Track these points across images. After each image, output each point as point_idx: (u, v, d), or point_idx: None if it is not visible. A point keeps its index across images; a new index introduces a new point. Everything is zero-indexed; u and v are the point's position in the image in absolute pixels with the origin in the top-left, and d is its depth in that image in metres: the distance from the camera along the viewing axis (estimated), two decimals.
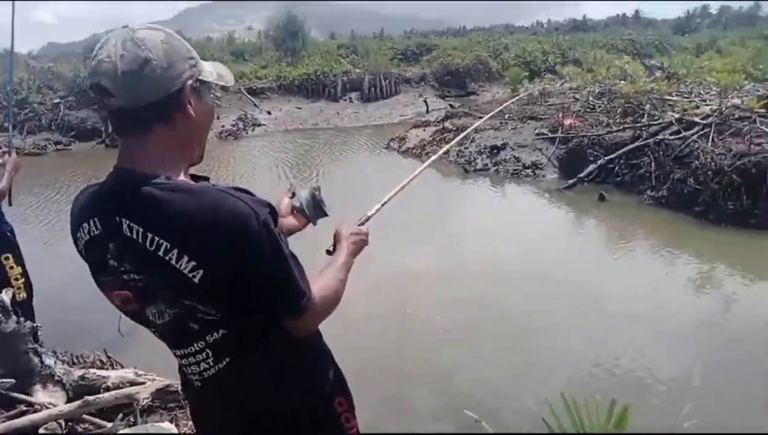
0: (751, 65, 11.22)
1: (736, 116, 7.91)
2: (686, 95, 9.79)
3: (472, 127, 3.23)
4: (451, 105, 18.67)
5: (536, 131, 10.63)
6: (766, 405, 3.50)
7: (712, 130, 7.73)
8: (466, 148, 10.65)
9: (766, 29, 33.70)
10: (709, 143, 7.49)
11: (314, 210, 1.75)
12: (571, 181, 8.73)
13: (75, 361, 3.70)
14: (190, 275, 1.04)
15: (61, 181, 10.73)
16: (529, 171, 9.64)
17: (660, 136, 8.34)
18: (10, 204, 3.50)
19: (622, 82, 10.31)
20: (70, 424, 2.92)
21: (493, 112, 4.28)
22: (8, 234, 3.56)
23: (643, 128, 8.91)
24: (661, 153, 8.06)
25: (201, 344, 1.16)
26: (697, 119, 8.21)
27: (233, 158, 12.81)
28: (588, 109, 10.90)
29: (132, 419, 2.98)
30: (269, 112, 18.42)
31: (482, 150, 10.48)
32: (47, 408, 2.92)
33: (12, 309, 3.07)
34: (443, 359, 4.15)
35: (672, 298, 5.05)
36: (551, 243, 6.62)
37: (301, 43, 24.53)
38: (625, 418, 1.90)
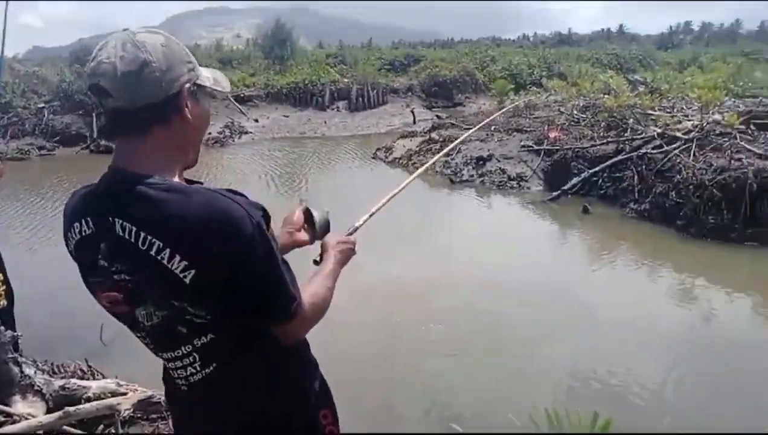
0: (732, 81, 11.43)
1: (717, 132, 8.06)
2: (669, 110, 9.97)
3: (460, 139, 3.25)
4: (438, 116, 18.80)
5: (522, 143, 10.73)
6: (747, 418, 3.55)
7: (694, 145, 7.86)
8: (452, 159, 10.72)
9: (746, 46, 34.50)
10: (691, 158, 7.61)
11: (321, 230, 1.77)
12: (555, 194, 8.82)
13: (55, 370, 3.64)
14: (182, 275, 1.04)
15: (47, 186, 10.61)
16: (514, 183, 9.73)
17: (643, 150, 8.48)
18: None
19: (606, 96, 10.47)
20: None
21: (481, 124, 4.31)
22: None
23: (626, 142, 9.04)
24: (643, 167, 8.18)
25: (188, 348, 1.15)
26: (679, 134, 8.34)
27: (221, 166, 12.76)
28: (573, 123, 11.04)
29: (113, 430, 2.94)
30: (256, 120, 18.40)
31: (468, 161, 10.56)
32: (26, 419, 2.88)
33: None
34: (430, 369, 4.15)
35: (654, 311, 5.11)
36: (536, 255, 6.68)
37: (289, 52, 24.55)
38: (608, 431, 1.93)
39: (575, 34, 56.75)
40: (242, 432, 1.25)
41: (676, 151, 7.96)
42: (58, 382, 3.24)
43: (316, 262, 1.52)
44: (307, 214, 1.68)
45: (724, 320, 4.98)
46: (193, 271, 1.04)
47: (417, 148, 12.12)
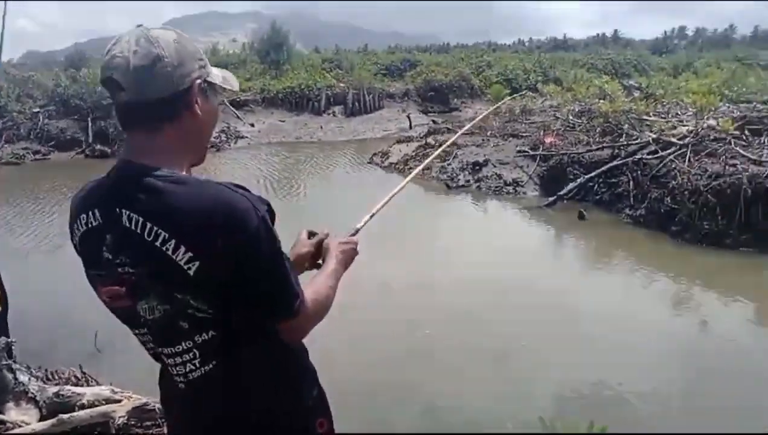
0: (726, 87, 11.48)
1: (712, 137, 8.10)
2: (663, 115, 10.00)
3: (457, 135, 3.31)
4: (434, 121, 18.85)
5: (517, 148, 10.76)
6: (744, 419, 3.55)
7: (689, 151, 7.90)
8: (448, 164, 10.74)
9: (740, 51, 34.69)
10: (686, 163, 7.65)
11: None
12: (551, 199, 8.83)
13: (49, 377, 3.62)
14: (186, 267, 1.04)
15: (43, 191, 10.58)
16: (510, 188, 9.75)
17: (638, 156, 8.51)
18: None
19: (602, 101, 10.49)
20: None
21: (478, 119, 4.33)
22: None
23: (622, 147, 9.08)
24: (639, 172, 8.21)
25: (189, 344, 1.14)
26: (673, 139, 8.38)
27: (219, 171, 12.73)
28: (568, 128, 11.08)
29: None
30: (252, 125, 18.38)
31: (465, 166, 10.58)
32: (20, 426, 2.86)
33: None
34: (421, 377, 4.14)
35: (649, 317, 5.12)
36: (532, 260, 6.69)
37: (285, 56, 24.54)
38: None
39: (570, 39, 57.01)
40: (239, 431, 1.24)
41: (671, 157, 8.00)
42: (52, 389, 3.22)
43: (318, 265, 1.52)
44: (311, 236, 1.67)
45: (719, 326, 4.99)
46: (197, 263, 1.04)
47: (413, 153, 12.14)
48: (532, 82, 22.82)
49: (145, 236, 1.05)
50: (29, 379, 3.19)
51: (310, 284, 1.32)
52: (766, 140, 7.81)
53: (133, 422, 3.08)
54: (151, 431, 3.06)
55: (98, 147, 14.63)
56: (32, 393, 3.10)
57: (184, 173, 1.15)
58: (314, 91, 20.56)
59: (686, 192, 7.16)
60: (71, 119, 15.18)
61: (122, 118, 1.14)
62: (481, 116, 4.21)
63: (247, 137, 17.29)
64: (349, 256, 1.54)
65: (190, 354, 1.16)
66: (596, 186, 8.76)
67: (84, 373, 3.69)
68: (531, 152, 10.39)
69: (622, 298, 5.62)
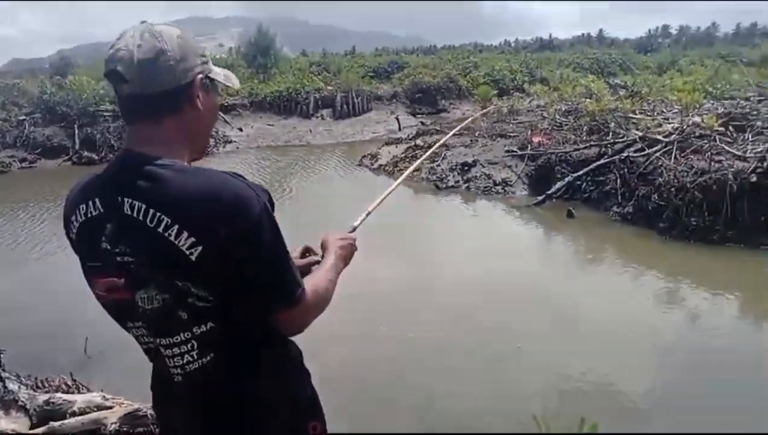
0: (710, 84, 11.59)
1: (697, 134, 8.17)
2: (649, 113, 10.08)
3: (447, 137, 3.33)
4: (422, 122, 18.87)
5: (506, 148, 10.80)
6: (734, 415, 3.59)
7: (675, 148, 7.97)
8: (438, 165, 10.77)
9: (723, 49, 35.13)
10: (672, 160, 7.72)
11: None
12: (540, 198, 8.88)
13: (40, 385, 3.59)
14: (188, 252, 1.05)
15: (30, 199, 10.47)
16: (499, 188, 9.79)
17: (625, 154, 8.57)
18: None
19: (588, 100, 10.57)
20: None
21: (466, 123, 4.35)
22: None
23: (608, 146, 9.15)
24: (626, 170, 8.28)
25: (187, 335, 1.14)
26: (659, 137, 8.45)
27: None
28: (555, 127, 11.14)
29: None
30: (240, 129, 18.31)
31: (453, 167, 10.61)
32: None
33: None
34: (412, 377, 4.15)
35: (638, 314, 5.16)
36: (521, 259, 6.72)
37: (272, 60, 24.49)
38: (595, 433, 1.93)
39: (556, 39, 57.42)
40: (234, 425, 1.23)
41: (658, 154, 8.06)
42: (42, 397, 3.20)
43: (317, 262, 1.54)
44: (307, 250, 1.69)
45: (708, 321, 5.04)
46: (200, 248, 1.05)
47: (402, 155, 12.16)
48: (518, 82, 22.93)
49: (147, 222, 1.06)
50: (19, 387, 3.17)
51: (310, 277, 1.33)
52: (750, 136, 7.89)
53: (125, 429, 3.06)
54: None
55: (85, 154, 14.52)
56: (22, 401, 3.08)
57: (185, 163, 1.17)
58: (302, 94, 20.53)
59: (673, 189, 7.23)
60: (57, 126, 15.05)
61: (124, 110, 1.16)
62: (469, 120, 4.24)
63: (235, 142, 17.23)
64: (348, 252, 1.56)
65: (189, 345, 1.16)
66: (584, 184, 8.82)
67: (75, 380, 3.67)
68: (519, 152, 10.44)
69: (612, 294, 5.66)
